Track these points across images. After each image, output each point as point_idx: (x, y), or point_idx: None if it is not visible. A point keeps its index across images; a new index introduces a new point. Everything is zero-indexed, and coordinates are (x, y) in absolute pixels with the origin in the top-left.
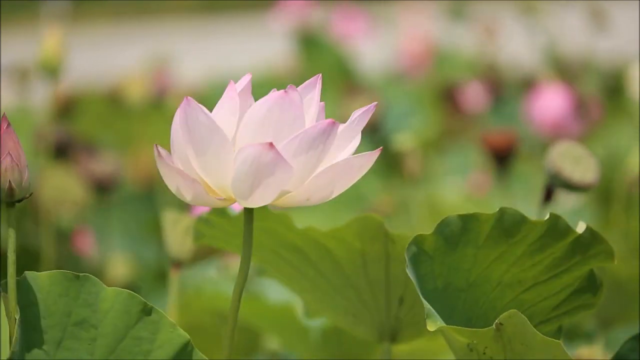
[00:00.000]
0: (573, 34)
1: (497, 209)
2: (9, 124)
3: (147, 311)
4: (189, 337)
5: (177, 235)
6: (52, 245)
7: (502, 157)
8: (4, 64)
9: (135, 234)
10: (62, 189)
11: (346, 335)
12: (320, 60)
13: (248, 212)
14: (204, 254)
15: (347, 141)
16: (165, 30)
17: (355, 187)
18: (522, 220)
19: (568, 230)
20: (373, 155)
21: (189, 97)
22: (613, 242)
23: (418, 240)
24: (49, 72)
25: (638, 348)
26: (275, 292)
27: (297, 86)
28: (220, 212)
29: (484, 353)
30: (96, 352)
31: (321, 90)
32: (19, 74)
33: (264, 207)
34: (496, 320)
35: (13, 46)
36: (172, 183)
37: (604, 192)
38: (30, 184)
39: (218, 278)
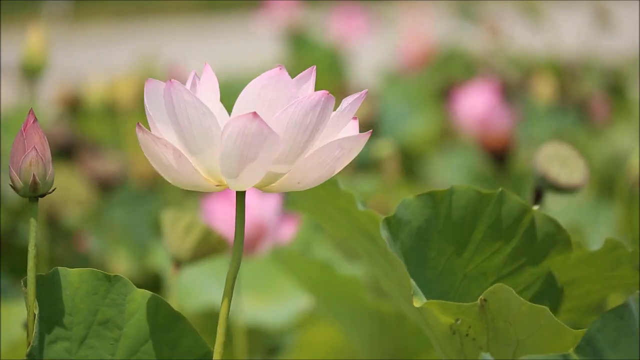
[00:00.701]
0: (576, 33)
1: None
2: (35, 119)
3: (172, 317)
4: (210, 347)
5: (177, 234)
6: (55, 244)
7: (500, 157)
8: (4, 64)
9: (139, 233)
10: (65, 188)
11: (405, 324)
12: (310, 60)
13: (240, 196)
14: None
15: (338, 128)
16: (166, 30)
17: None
18: (477, 196)
19: (523, 208)
20: (364, 137)
21: (172, 79)
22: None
23: (386, 223)
24: (32, 72)
25: (605, 328)
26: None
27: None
28: None
29: (467, 334)
30: (117, 353)
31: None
32: (19, 74)
33: (335, 186)
34: (480, 297)
35: (13, 46)
36: (160, 162)
37: (606, 192)
38: (54, 179)
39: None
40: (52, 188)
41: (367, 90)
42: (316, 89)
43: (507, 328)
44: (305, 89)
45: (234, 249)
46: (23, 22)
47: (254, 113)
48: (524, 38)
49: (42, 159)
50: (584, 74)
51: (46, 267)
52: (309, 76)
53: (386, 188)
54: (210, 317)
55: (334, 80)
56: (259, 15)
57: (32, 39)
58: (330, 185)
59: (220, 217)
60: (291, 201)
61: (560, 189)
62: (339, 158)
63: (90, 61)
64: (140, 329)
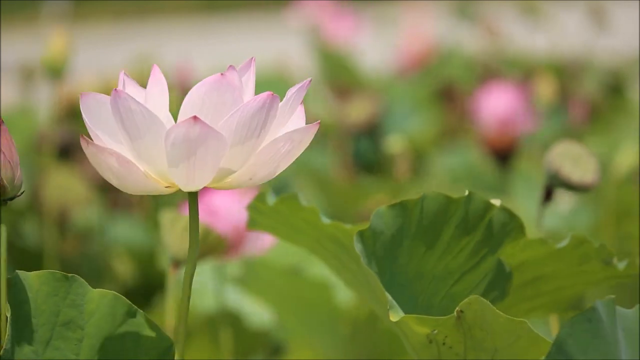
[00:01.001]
0: (573, 32)
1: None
2: (2, 122)
3: (131, 314)
4: (172, 340)
5: (176, 234)
6: (55, 245)
7: (504, 157)
8: (4, 64)
9: (139, 233)
10: (65, 188)
11: (379, 327)
12: (323, 60)
13: (192, 196)
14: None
15: (285, 119)
16: (166, 30)
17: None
18: (446, 201)
19: (487, 205)
20: (312, 128)
21: (116, 89)
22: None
23: (359, 236)
24: (53, 72)
25: (575, 332)
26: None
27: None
28: (261, 199)
29: (444, 343)
30: (82, 353)
31: (324, 91)
32: (21, 74)
33: (295, 198)
34: (457, 308)
35: (13, 46)
36: (108, 171)
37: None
38: (22, 182)
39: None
40: (21, 191)
41: (311, 79)
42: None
43: (484, 337)
44: (246, 81)
45: (189, 250)
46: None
47: (195, 117)
48: (523, 38)
49: (9, 162)
50: (583, 73)
51: (57, 267)
52: (249, 67)
53: (398, 186)
54: (222, 318)
55: (344, 80)
56: (289, 12)
57: (54, 39)
58: (291, 200)
59: (222, 215)
60: (252, 222)
61: (572, 187)
62: (289, 151)
63: (90, 61)
64: (101, 327)
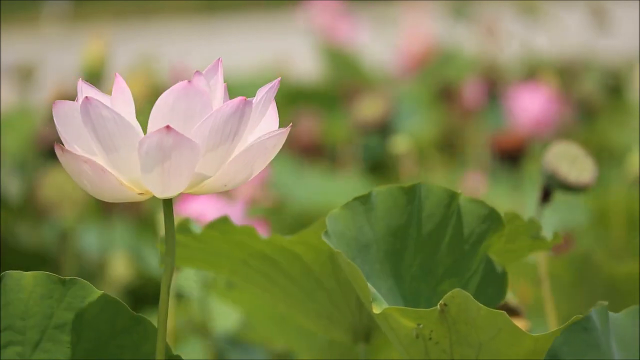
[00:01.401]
0: (574, 33)
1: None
2: None
3: (133, 320)
4: (173, 351)
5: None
6: (52, 245)
7: (513, 158)
8: (4, 64)
9: (136, 234)
10: (62, 189)
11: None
12: (332, 61)
13: (166, 204)
14: None
15: (257, 121)
16: (167, 31)
17: (352, 189)
18: (401, 193)
19: (450, 194)
20: (284, 133)
21: (88, 96)
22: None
23: (326, 237)
24: (91, 77)
25: (570, 341)
26: None
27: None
28: (183, 230)
29: (430, 338)
30: (75, 356)
31: (333, 93)
32: (20, 74)
33: (227, 222)
34: (440, 301)
35: (13, 46)
36: (82, 178)
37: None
38: None
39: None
40: None
41: (280, 78)
42: (334, 90)
43: (468, 331)
44: (214, 85)
45: (165, 255)
46: (23, 22)
47: (167, 126)
48: (523, 38)
49: None
50: (584, 74)
51: (43, 269)
52: (216, 69)
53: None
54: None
55: (352, 80)
56: (299, 13)
57: (92, 45)
58: (223, 224)
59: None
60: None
61: (569, 188)
62: (263, 156)
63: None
64: (100, 332)
